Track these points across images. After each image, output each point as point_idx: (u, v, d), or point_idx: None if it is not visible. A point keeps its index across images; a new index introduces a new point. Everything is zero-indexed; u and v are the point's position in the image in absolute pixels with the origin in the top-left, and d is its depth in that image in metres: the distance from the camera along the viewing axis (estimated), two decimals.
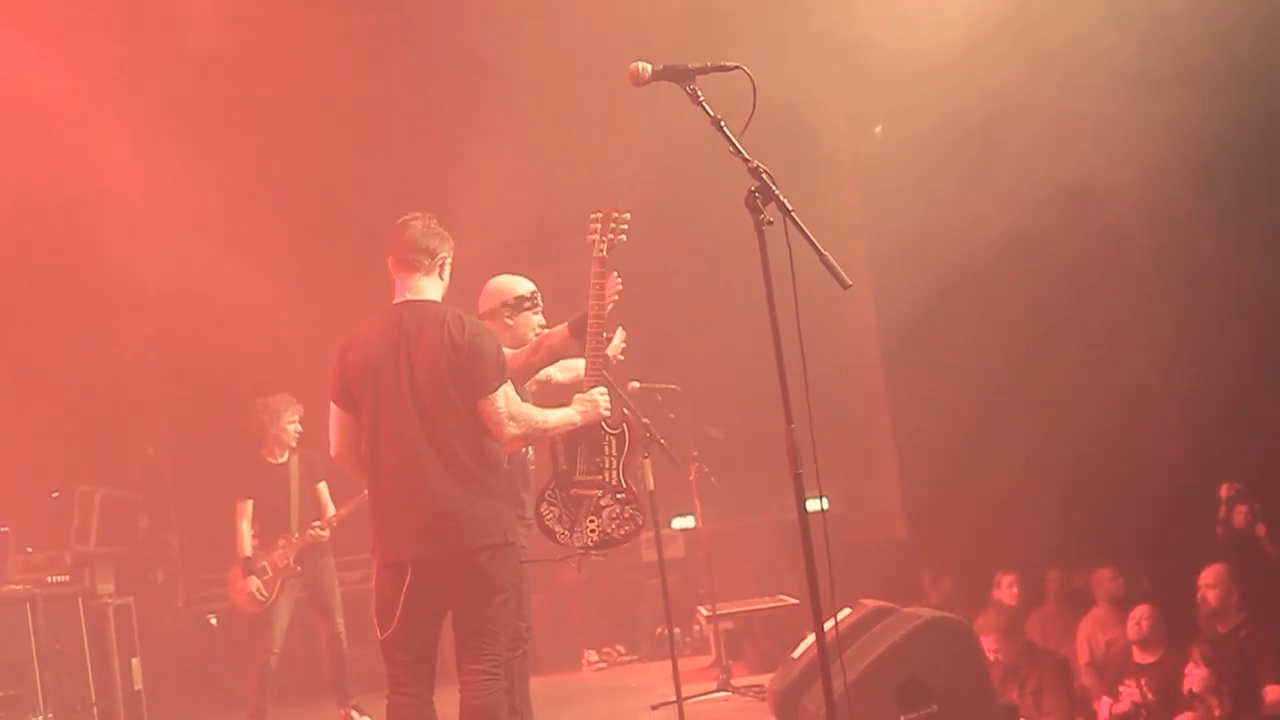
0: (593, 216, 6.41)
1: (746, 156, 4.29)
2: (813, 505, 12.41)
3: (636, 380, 8.47)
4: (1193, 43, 9.76)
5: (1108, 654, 10.13)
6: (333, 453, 5.78)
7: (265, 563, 9.50)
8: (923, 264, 11.02)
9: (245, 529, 9.54)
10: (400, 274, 5.78)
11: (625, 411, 6.84)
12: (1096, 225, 10.87)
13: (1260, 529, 10.55)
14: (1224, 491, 10.70)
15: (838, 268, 4.11)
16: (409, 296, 5.76)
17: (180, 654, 11.78)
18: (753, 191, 4.22)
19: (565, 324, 6.43)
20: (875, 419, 13.21)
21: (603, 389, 6.14)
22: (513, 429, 5.73)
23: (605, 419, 6.20)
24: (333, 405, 5.73)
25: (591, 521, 6.42)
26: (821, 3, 10.73)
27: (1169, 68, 9.90)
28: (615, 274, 6.37)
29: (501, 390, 5.69)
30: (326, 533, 9.52)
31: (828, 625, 7.18)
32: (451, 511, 5.56)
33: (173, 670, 11.90)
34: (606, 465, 6.48)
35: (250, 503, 9.55)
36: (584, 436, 6.36)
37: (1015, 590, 10.93)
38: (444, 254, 5.82)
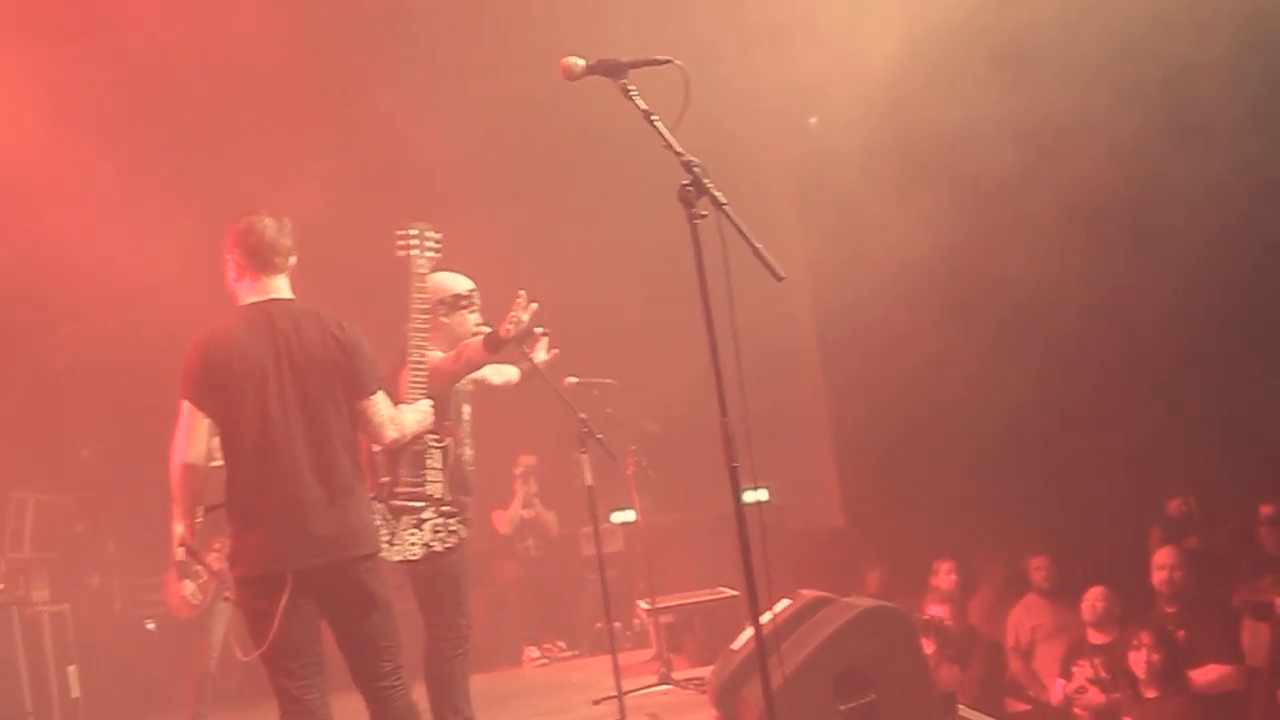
0: (401, 233, 6.43)
1: (679, 151, 4.29)
2: (751, 496, 12.45)
3: (573, 375, 8.49)
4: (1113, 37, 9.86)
5: (1033, 639, 10.25)
6: (186, 458, 5.39)
7: (199, 566, 9.39)
8: (860, 256, 11.07)
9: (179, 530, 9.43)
10: (255, 273, 5.55)
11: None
12: (1038, 222, 10.95)
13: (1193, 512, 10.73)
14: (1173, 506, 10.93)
15: (771, 260, 4.12)
16: (272, 295, 5.57)
17: (118, 660, 11.66)
18: (685, 186, 4.22)
19: (481, 339, 6.44)
20: (813, 410, 13.28)
21: (430, 401, 6.10)
22: (391, 431, 5.72)
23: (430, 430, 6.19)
24: (189, 407, 5.39)
25: (412, 534, 6.39)
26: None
27: (1110, 73, 10.00)
28: (522, 291, 6.38)
29: (381, 392, 5.67)
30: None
31: (766, 617, 7.26)
32: (339, 520, 5.42)
33: (110, 677, 11.77)
34: (430, 478, 6.45)
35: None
36: (408, 448, 6.30)
37: (953, 578, 11.02)
38: (294, 253, 5.67)
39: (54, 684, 10.60)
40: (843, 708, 5.96)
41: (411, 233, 6.48)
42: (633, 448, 9.65)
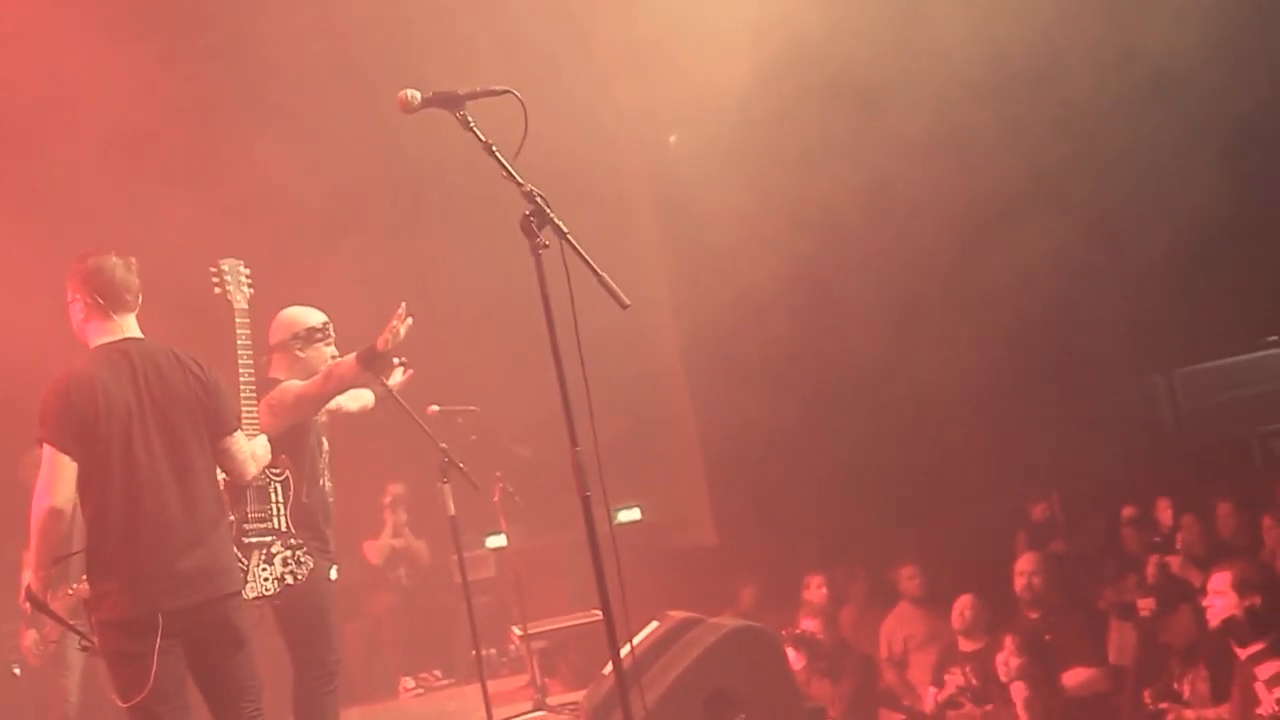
0: (214, 270, 6.41)
1: (520, 181, 4.30)
2: (624, 516, 12.44)
3: (435, 404, 8.45)
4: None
5: (906, 649, 10.34)
6: (52, 502, 5.23)
7: (46, 615, 9.19)
8: (721, 275, 11.15)
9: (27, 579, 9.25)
10: (105, 314, 5.48)
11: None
12: (897, 230, 11.11)
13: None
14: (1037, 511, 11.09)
15: (615, 289, 4.13)
16: (126, 334, 5.52)
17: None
18: (528, 215, 4.22)
19: (354, 354, 6.39)
20: (682, 430, 13.32)
21: (265, 436, 6.06)
22: (252, 467, 5.75)
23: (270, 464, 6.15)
24: (53, 450, 5.27)
25: (264, 569, 6.35)
26: (606, 18, 10.79)
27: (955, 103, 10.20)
28: (402, 304, 6.36)
29: (239, 430, 5.67)
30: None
31: (635, 640, 7.27)
32: (205, 558, 5.39)
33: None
34: (274, 512, 6.42)
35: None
36: (251, 484, 6.25)
37: (824, 591, 11.07)
38: (140, 291, 5.61)
39: None
40: None
41: (224, 268, 6.43)
42: (498, 474, 9.60)
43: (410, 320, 6.35)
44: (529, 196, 4.24)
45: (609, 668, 7.32)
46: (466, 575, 7.56)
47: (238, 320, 6.39)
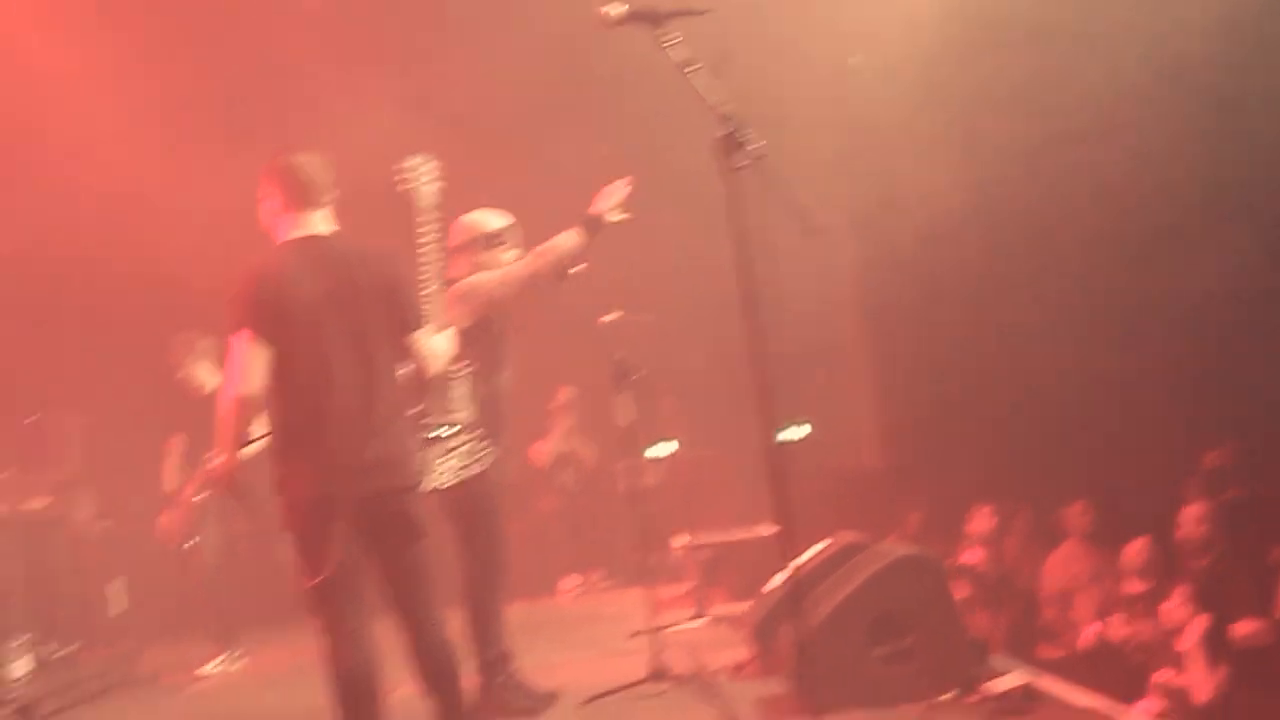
0: (401, 167, 6.45)
1: (714, 103, 4.27)
2: (793, 433, 12.38)
3: (613, 312, 8.48)
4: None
5: (1070, 586, 10.22)
6: (245, 389, 5.36)
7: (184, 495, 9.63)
8: (903, 201, 11.02)
9: (173, 462, 9.68)
10: (297, 209, 5.57)
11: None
12: (1091, 165, 10.84)
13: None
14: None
15: (808, 211, 4.10)
16: (315, 230, 5.60)
17: (160, 577, 11.80)
18: (722, 137, 4.20)
19: (579, 224, 6.48)
20: (855, 352, 13.25)
21: (452, 330, 6.13)
22: (437, 363, 5.81)
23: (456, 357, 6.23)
24: (245, 338, 5.39)
25: (444, 462, 6.43)
26: None
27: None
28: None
29: (424, 325, 5.74)
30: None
31: (803, 558, 7.30)
32: (386, 449, 5.48)
33: (153, 593, 11.94)
34: (457, 405, 6.50)
35: (179, 436, 9.78)
36: (434, 378, 6.32)
37: (991, 523, 10.98)
38: (334, 189, 5.69)
39: (99, 599, 10.76)
40: (876, 652, 5.99)
41: (412, 165, 6.47)
42: (671, 384, 9.63)
43: (629, 188, 6.41)
44: (723, 119, 4.22)
45: (773, 584, 7.42)
46: (635, 482, 7.56)
47: (424, 218, 6.44)
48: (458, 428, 6.45)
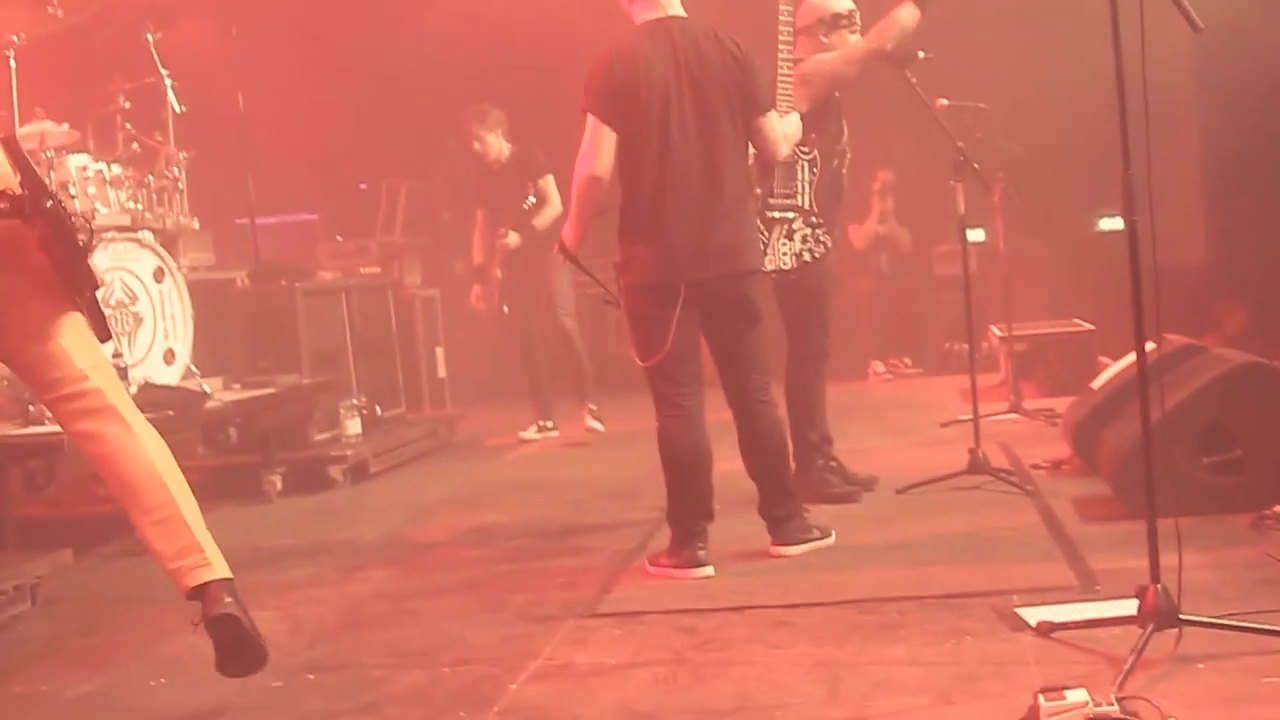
0: None
1: None
2: (1110, 224, 11.93)
3: (945, 98, 8.27)
4: None
5: None
6: (593, 170, 5.45)
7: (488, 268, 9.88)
8: None
9: (477, 237, 9.88)
10: None
11: None
12: None
13: None
14: None
15: (1189, 9, 3.89)
16: (669, 12, 5.60)
17: (479, 343, 12.22)
18: None
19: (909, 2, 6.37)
20: (1186, 143, 12.67)
21: (798, 114, 6.01)
22: (784, 147, 5.82)
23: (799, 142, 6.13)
24: (596, 120, 5.46)
25: (784, 244, 6.41)
26: None
27: None
28: None
29: (774, 110, 5.71)
30: (514, 239, 9.68)
31: (1128, 360, 7.11)
32: (730, 235, 5.54)
33: (472, 359, 12.40)
34: (799, 189, 6.43)
35: (481, 211, 9.98)
36: (779, 161, 6.22)
37: None
38: None
39: (423, 364, 11.20)
40: (1206, 460, 5.83)
41: None
42: (1000, 174, 9.40)
43: None
44: None
45: (1098, 382, 7.26)
46: (966, 268, 7.43)
47: (782, 5, 6.37)
48: (797, 213, 6.44)
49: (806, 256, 6.46)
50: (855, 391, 11.35)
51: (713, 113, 5.48)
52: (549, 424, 10.06)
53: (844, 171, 6.78)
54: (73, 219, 3.88)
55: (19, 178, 3.81)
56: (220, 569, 4.00)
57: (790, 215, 6.42)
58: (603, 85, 5.47)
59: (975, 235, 12.05)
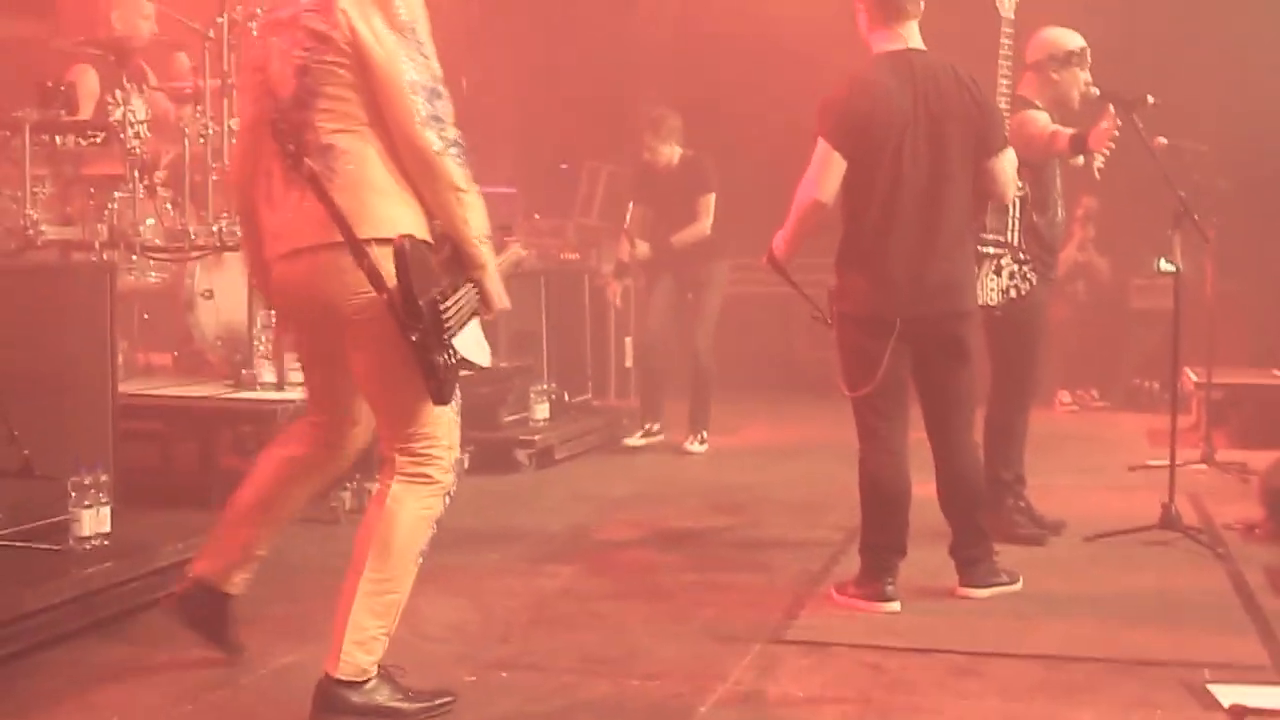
0: None
1: None
2: None
3: (1163, 137, 8.12)
4: None
5: None
6: (821, 196, 5.43)
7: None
8: None
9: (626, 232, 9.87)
10: (887, 23, 5.55)
11: None
12: None
13: None
14: None
15: None
16: (910, 45, 5.57)
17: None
18: None
19: (1069, 137, 6.29)
20: None
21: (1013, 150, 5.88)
22: (1013, 190, 5.83)
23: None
24: (829, 147, 5.43)
25: (991, 280, 6.35)
26: None
27: None
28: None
29: (1006, 150, 5.69)
30: (643, 250, 9.69)
31: None
32: (949, 272, 5.54)
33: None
34: (1010, 226, 6.37)
35: (632, 205, 9.88)
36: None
37: None
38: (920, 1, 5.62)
39: (612, 353, 11.30)
40: None
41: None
42: (1214, 218, 9.16)
43: (1118, 132, 6.19)
44: None
45: None
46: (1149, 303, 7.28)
47: (1004, 30, 6.36)
48: (1005, 249, 6.41)
49: (1013, 293, 6.44)
50: (1040, 421, 11.05)
51: (946, 150, 5.47)
52: (655, 427, 9.91)
53: (1059, 215, 6.75)
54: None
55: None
56: (332, 667, 4.05)
57: (1000, 251, 6.39)
58: (839, 113, 5.48)
59: (1169, 266, 11.80)
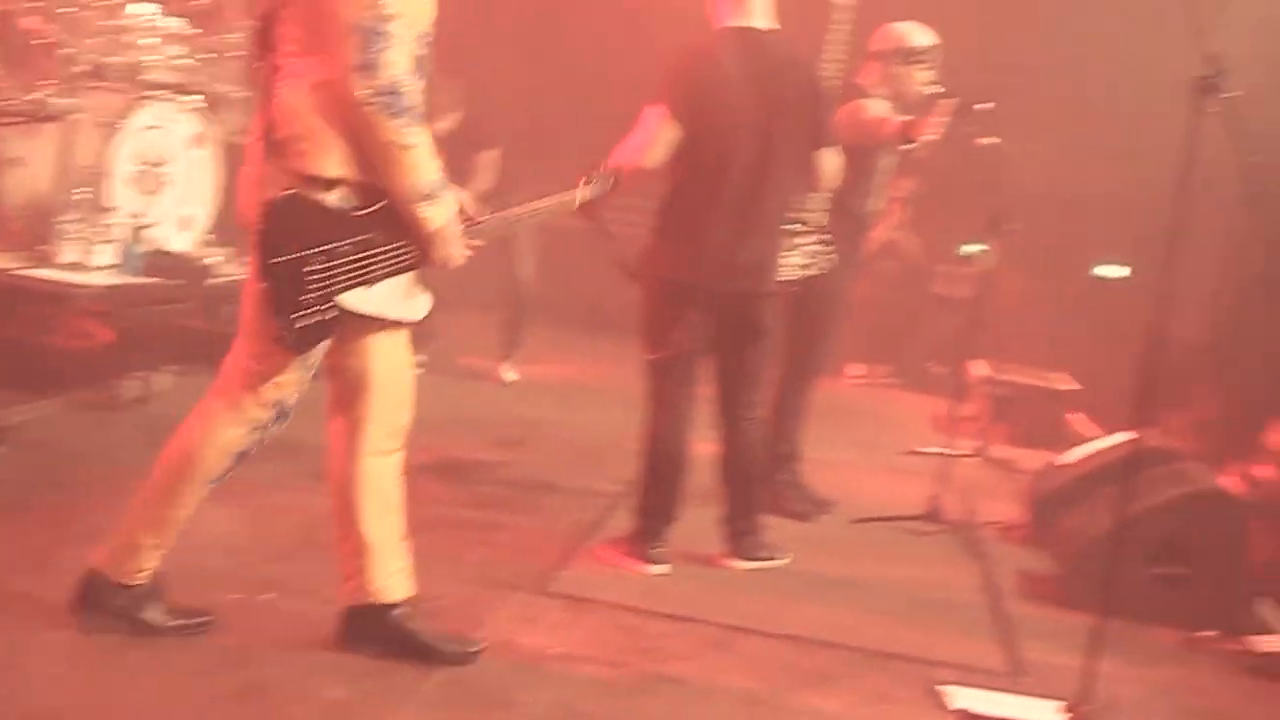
0: None
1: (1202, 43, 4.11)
2: (1111, 271, 11.82)
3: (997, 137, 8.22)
4: None
5: None
6: (646, 162, 5.42)
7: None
8: None
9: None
10: None
11: None
12: None
13: None
14: None
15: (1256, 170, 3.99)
16: (754, 23, 5.58)
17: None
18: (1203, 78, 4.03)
19: (900, 124, 6.34)
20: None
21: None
22: (830, 184, 5.89)
23: None
24: (661, 112, 5.41)
25: (794, 257, 6.38)
26: None
27: None
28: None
29: (831, 145, 5.75)
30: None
31: (1101, 445, 7.23)
32: (759, 252, 5.62)
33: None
34: (814, 207, 6.27)
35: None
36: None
37: None
38: None
39: None
40: (1151, 571, 5.96)
41: None
42: (1026, 221, 9.36)
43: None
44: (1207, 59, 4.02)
45: (1068, 458, 7.37)
46: (951, 289, 7.44)
47: (837, 16, 6.38)
48: (807, 227, 6.47)
49: (813, 271, 6.48)
50: (828, 392, 11.29)
51: (777, 131, 5.50)
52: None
53: (869, 210, 6.85)
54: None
55: None
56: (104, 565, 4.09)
57: (805, 229, 6.44)
58: (676, 81, 5.48)
59: (976, 249, 12.06)
